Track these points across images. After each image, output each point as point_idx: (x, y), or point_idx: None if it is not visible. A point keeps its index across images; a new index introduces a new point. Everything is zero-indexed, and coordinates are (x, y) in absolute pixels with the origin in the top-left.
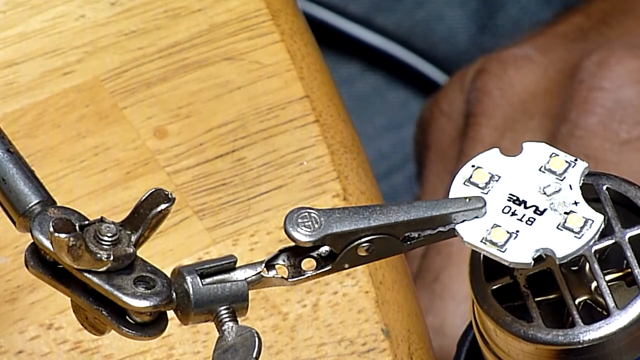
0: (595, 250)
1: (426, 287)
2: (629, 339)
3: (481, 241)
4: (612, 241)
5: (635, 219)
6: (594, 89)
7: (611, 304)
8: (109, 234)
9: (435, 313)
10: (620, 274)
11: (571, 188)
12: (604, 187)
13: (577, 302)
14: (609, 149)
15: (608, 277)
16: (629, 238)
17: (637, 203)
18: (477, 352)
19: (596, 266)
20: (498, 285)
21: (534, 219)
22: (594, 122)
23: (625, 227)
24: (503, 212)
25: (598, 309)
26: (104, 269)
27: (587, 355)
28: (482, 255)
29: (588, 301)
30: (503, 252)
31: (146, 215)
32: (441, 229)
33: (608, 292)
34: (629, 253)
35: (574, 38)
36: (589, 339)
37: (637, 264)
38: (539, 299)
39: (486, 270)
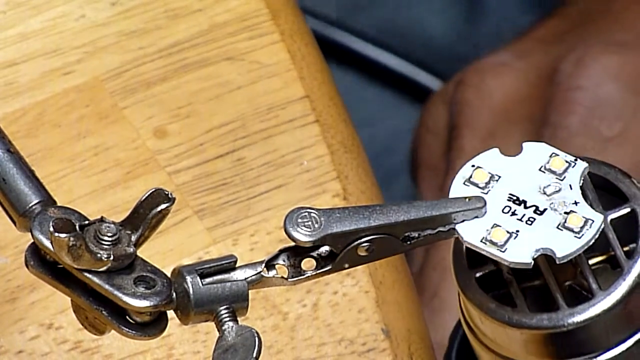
0: None
1: (425, 304)
2: (614, 321)
3: (481, 241)
4: None
5: (616, 201)
6: (572, 88)
7: (594, 285)
8: (109, 234)
9: (436, 328)
10: (605, 257)
11: (571, 188)
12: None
13: (563, 286)
14: (591, 147)
15: (592, 261)
16: (611, 220)
17: (618, 185)
18: (468, 345)
19: None
20: (482, 273)
21: (534, 219)
22: (575, 122)
23: (607, 209)
24: (503, 212)
25: (584, 292)
26: (104, 268)
27: (573, 338)
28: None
29: (573, 285)
30: (503, 252)
31: (146, 215)
32: (441, 228)
33: (591, 274)
34: (611, 235)
35: (551, 41)
36: (574, 322)
37: (619, 246)
38: (524, 285)
39: (470, 258)
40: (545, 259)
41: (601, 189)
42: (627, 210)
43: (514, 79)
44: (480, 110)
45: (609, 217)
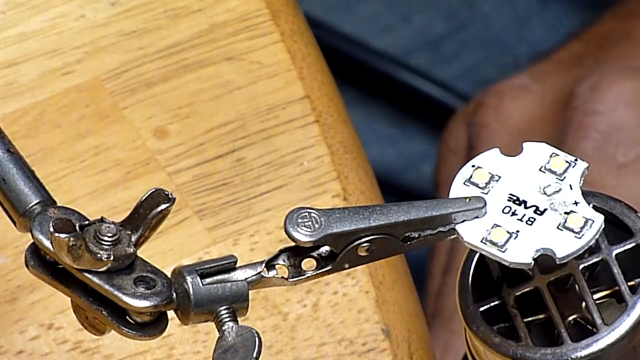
0: (584, 268)
1: (444, 325)
2: (618, 355)
3: (481, 241)
4: (599, 258)
5: (621, 235)
6: (588, 113)
7: (598, 320)
8: (109, 234)
9: (455, 351)
10: (610, 291)
11: (571, 188)
12: (590, 205)
13: (568, 320)
14: (606, 173)
15: (598, 295)
16: (616, 255)
17: (623, 219)
18: None
19: (583, 283)
20: (486, 307)
21: (534, 219)
22: (590, 147)
23: (612, 243)
24: (503, 212)
25: (589, 326)
26: (104, 269)
27: None
28: (470, 276)
29: (579, 319)
30: (503, 252)
31: (146, 215)
32: (441, 229)
33: (595, 308)
34: (616, 270)
35: (570, 64)
36: (578, 357)
37: (623, 280)
38: (529, 319)
39: (475, 291)
40: (551, 293)
41: (607, 222)
42: (633, 245)
43: (531, 102)
44: (498, 132)
45: (614, 252)
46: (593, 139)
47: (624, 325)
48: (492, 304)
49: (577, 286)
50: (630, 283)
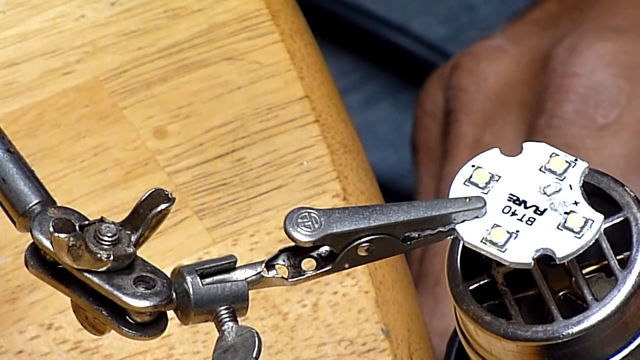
0: None
1: (428, 291)
2: (610, 331)
3: (481, 241)
4: None
5: (609, 210)
6: (567, 76)
7: (589, 296)
8: (109, 234)
9: (441, 316)
10: (599, 265)
11: (571, 188)
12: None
13: (558, 295)
14: (587, 136)
15: (587, 270)
16: (604, 229)
17: (611, 193)
18: (466, 353)
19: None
20: (476, 285)
21: (534, 219)
22: (569, 110)
23: None
24: (503, 212)
25: (579, 302)
26: (104, 269)
27: (569, 349)
28: (459, 255)
29: (569, 294)
30: (503, 252)
31: (146, 215)
32: (441, 229)
33: (585, 284)
34: (605, 244)
35: (546, 25)
36: (569, 333)
37: (612, 255)
38: (519, 295)
39: (464, 269)
40: (540, 269)
41: (594, 196)
42: (621, 219)
43: (508, 64)
44: (475, 96)
45: (603, 226)
46: (572, 101)
47: (615, 300)
48: (481, 283)
49: (565, 261)
50: (619, 257)
